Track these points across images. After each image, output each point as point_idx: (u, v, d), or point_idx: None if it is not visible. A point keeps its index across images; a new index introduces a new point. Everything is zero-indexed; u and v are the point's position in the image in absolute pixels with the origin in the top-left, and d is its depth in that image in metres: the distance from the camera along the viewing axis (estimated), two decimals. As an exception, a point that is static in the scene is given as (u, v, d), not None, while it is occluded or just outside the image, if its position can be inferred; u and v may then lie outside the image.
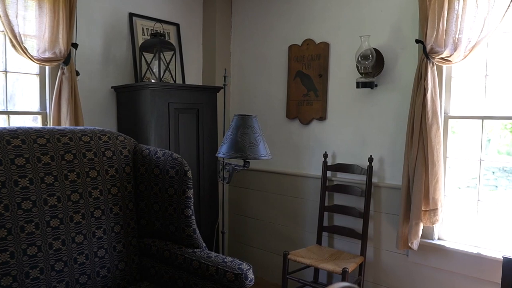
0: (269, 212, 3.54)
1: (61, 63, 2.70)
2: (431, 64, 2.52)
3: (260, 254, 3.61)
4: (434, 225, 2.58)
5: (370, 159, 2.85)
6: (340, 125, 3.08)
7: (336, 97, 3.09)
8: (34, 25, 2.61)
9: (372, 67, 2.80)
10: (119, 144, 2.29)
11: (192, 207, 2.18)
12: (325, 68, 3.11)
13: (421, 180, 2.56)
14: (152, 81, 2.99)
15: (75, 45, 2.76)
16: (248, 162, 2.10)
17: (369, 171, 2.86)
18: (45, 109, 2.82)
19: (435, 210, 2.55)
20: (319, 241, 3.09)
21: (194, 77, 3.62)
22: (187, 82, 3.50)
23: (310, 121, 3.22)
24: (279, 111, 3.42)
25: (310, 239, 3.25)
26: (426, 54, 2.51)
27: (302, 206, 3.33)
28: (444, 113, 2.67)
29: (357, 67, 2.81)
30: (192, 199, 2.19)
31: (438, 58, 2.48)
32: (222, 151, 2.00)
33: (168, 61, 2.97)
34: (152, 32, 3.07)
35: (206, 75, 3.67)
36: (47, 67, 2.78)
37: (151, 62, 2.94)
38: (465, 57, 2.43)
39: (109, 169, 2.20)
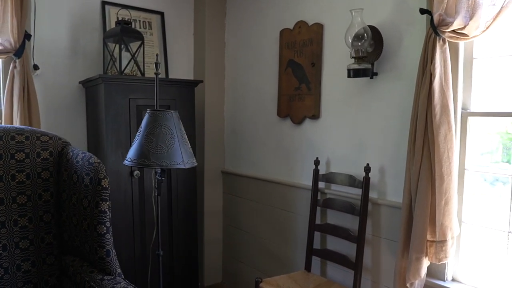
0: (260, 225, 2.93)
1: (12, 56, 2.37)
2: (440, 41, 1.77)
3: (250, 273, 3.02)
4: (441, 262, 1.82)
5: (367, 169, 2.14)
6: (335, 125, 2.40)
7: (330, 90, 2.41)
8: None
9: (368, 50, 2.10)
10: (39, 146, 1.86)
11: (107, 224, 1.69)
12: (318, 55, 2.44)
13: (425, 200, 1.81)
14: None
15: (28, 36, 2.42)
16: (164, 171, 1.56)
17: (365, 183, 2.15)
18: (0, 106, 2.52)
19: (443, 242, 1.79)
20: (307, 267, 2.43)
21: (183, 71, 3.14)
22: (174, 77, 3.04)
23: (302, 120, 2.57)
24: (270, 108, 2.81)
25: (299, 263, 2.60)
26: (434, 28, 1.76)
27: (293, 222, 2.68)
28: (462, 109, 1.89)
29: (350, 51, 2.12)
30: (108, 214, 1.70)
31: (449, 32, 1.72)
32: (128, 156, 1.49)
33: (134, 52, 2.52)
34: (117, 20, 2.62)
35: (198, 69, 3.17)
36: (1, 61, 2.48)
37: (113, 52, 2.51)
38: (487, 29, 1.65)
39: (17, 174, 1.77)
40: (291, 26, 2.60)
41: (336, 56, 2.34)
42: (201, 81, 2.69)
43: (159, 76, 2.43)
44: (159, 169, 1.53)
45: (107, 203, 1.69)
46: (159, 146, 1.42)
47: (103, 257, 1.68)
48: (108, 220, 1.69)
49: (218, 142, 3.21)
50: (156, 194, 1.71)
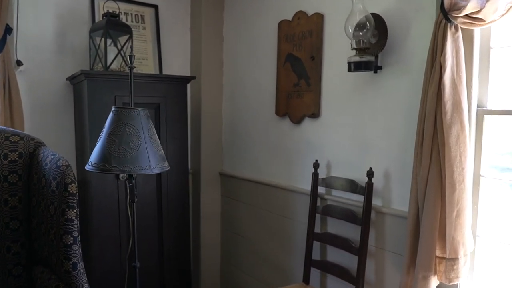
0: (259, 231, 2.72)
1: (-8, 51, 2.23)
2: (452, 29, 1.53)
3: (249, 282, 2.82)
4: (452, 283, 1.58)
5: (370, 173, 1.91)
6: (335, 125, 2.17)
7: (331, 86, 2.18)
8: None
9: (371, 41, 1.87)
10: (7, 146, 1.70)
11: (74, 234, 1.51)
12: (318, 48, 2.22)
13: (434, 211, 1.57)
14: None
15: (9, 30, 2.28)
16: (131, 176, 1.37)
17: (368, 190, 1.92)
18: (-18, 105, 2.38)
19: (454, 260, 1.54)
20: (306, 279, 2.21)
21: (178, 68, 2.95)
22: (168, 73, 2.85)
23: (301, 119, 2.35)
24: (268, 106, 2.60)
25: (297, 273, 2.38)
26: (445, 13, 1.52)
27: (292, 230, 2.46)
28: (477, 106, 1.64)
29: (351, 42, 1.89)
30: (76, 223, 1.52)
31: (462, 17, 1.48)
32: (90, 160, 1.30)
33: (121, 46, 2.34)
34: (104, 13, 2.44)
35: (195, 65, 2.98)
36: (-19, 56, 2.35)
37: (99, 47, 2.34)
38: (507, 12, 1.41)
39: (-21, 178, 1.63)
40: (289, 17, 2.38)
41: (338, 49, 2.11)
42: (194, 77, 2.50)
43: (142, 72, 2.25)
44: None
45: (75, 210, 1.51)
46: (122, 149, 1.23)
47: (69, 270, 1.50)
48: (76, 229, 1.52)
49: (216, 142, 3.02)
50: (129, 201, 1.52)
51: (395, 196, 1.90)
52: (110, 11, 2.47)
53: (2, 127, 1.78)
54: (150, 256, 2.44)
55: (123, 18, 2.64)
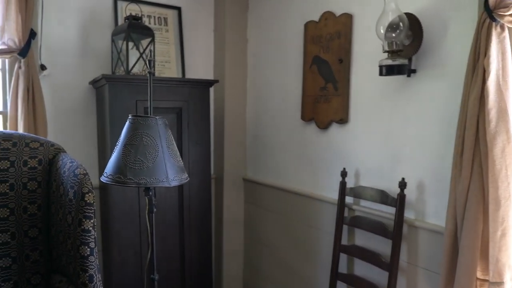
0: (283, 240, 2.62)
1: (17, 56, 2.22)
2: (498, 28, 1.39)
3: (273, 292, 2.73)
4: (496, 309, 1.44)
5: (402, 184, 1.78)
6: (365, 131, 2.04)
7: (360, 91, 2.05)
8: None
9: (404, 43, 1.74)
10: (27, 153, 1.67)
11: (91, 245, 1.46)
12: (346, 50, 2.10)
13: (475, 228, 1.43)
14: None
15: (33, 35, 2.27)
16: (149, 188, 1.29)
17: (400, 201, 1.79)
18: (7, 108, 2.38)
19: (499, 284, 1.39)
20: (332, 293, 2.10)
21: (201, 71, 2.89)
22: (191, 77, 2.80)
23: (328, 124, 2.23)
24: (294, 111, 2.49)
25: (322, 286, 2.27)
26: (489, 11, 1.38)
27: (317, 240, 2.35)
28: (525, 114, 1.49)
29: (382, 44, 1.76)
30: (93, 234, 1.47)
31: (510, 15, 1.34)
32: (105, 171, 1.24)
33: (143, 49, 2.29)
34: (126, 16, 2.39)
35: (218, 68, 2.91)
36: (7, 61, 2.34)
37: (120, 50, 2.29)
38: None
39: (-1, 185, 1.60)
40: (316, 18, 2.27)
41: (368, 51, 1.99)
42: (217, 81, 2.43)
43: (164, 75, 2.19)
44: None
45: (91, 221, 1.46)
46: (138, 160, 1.16)
47: (85, 282, 1.45)
48: (93, 240, 1.46)
49: (240, 147, 2.94)
50: (148, 211, 1.46)
51: (429, 209, 1.76)
52: (133, 14, 2.43)
53: (23, 133, 1.75)
54: (171, 263, 2.38)
55: (145, 20, 2.60)
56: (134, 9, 2.54)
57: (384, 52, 1.72)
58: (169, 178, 1.19)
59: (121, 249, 2.21)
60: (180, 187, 2.36)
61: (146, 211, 1.46)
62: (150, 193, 1.29)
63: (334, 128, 2.20)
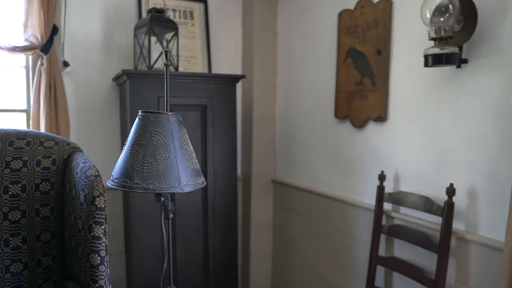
0: (314, 246, 2.43)
1: (39, 52, 2.16)
2: None
3: (304, 302, 2.55)
4: None
5: (451, 190, 1.56)
6: (406, 130, 1.82)
7: (401, 85, 1.84)
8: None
9: (454, 28, 1.51)
10: (40, 152, 1.58)
11: (102, 253, 1.34)
12: (385, 40, 1.89)
13: (542, 245, 1.20)
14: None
15: (55, 30, 2.20)
16: (160, 194, 1.15)
17: (448, 210, 1.56)
18: (30, 106, 2.33)
19: None
20: (367, 309, 1.90)
21: (229, 66, 2.75)
22: (218, 72, 2.66)
23: (364, 122, 2.03)
24: (326, 108, 2.30)
25: (357, 302, 2.07)
26: None
27: (351, 249, 2.15)
28: None
29: (428, 30, 1.55)
30: (104, 241, 1.35)
31: None
32: (112, 174, 1.11)
33: (166, 44, 2.16)
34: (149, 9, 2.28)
35: (247, 63, 2.76)
36: (30, 58, 2.29)
37: (143, 45, 2.18)
38: None
39: (10, 186, 1.50)
40: (351, 6, 2.07)
41: (410, 40, 1.77)
42: (243, 76, 2.27)
43: (189, 71, 2.08)
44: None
45: (102, 227, 1.34)
46: (147, 162, 1.03)
47: (95, 293, 1.34)
48: (103, 248, 1.35)
49: (269, 147, 2.78)
50: (163, 217, 1.33)
51: (483, 220, 1.53)
52: (157, 7, 2.32)
53: (38, 131, 1.67)
54: (194, 268, 2.26)
55: (170, 15, 2.49)
56: (158, 3, 2.44)
57: (430, 39, 1.50)
58: (182, 183, 1.05)
59: (141, 253, 2.10)
60: (204, 189, 2.23)
61: (161, 218, 1.33)
62: (162, 198, 1.15)
63: (371, 127, 1.99)
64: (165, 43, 1.34)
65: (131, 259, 2.15)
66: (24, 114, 2.29)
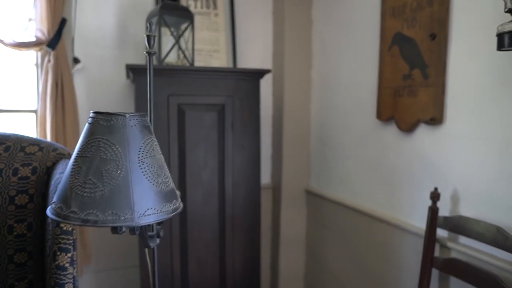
0: (351, 270, 2.03)
1: (46, 48, 1.98)
2: None
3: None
4: None
5: (534, 221, 1.12)
6: (470, 136, 1.39)
7: (463, 77, 1.40)
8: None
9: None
10: (19, 160, 1.35)
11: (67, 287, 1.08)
12: (442, 20, 1.46)
13: None
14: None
15: (63, 24, 2.00)
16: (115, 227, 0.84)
17: (529, 248, 1.13)
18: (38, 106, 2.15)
19: None
20: None
21: (258, 60, 2.41)
22: (244, 66, 2.34)
23: (414, 125, 1.61)
24: (367, 107, 1.89)
25: None
26: None
27: (395, 280, 1.72)
28: None
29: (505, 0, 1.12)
30: (70, 272, 1.08)
31: None
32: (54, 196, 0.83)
33: (178, 36, 1.89)
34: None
35: (278, 57, 2.42)
36: (39, 54, 2.12)
37: (153, 37, 1.92)
38: None
39: (-20, 199, 1.31)
40: (399, -19, 1.66)
41: (476, 17, 1.34)
42: (268, 71, 1.94)
43: (208, 65, 1.79)
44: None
45: (69, 254, 1.08)
46: (89, 182, 0.73)
47: None
48: (70, 281, 1.08)
49: (302, 152, 2.41)
50: (144, 246, 1.03)
51: None
52: (174, -5, 2.06)
53: (22, 134, 1.45)
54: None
55: (191, 4, 2.21)
56: (177, -9, 2.17)
57: (506, 11, 1.07)
58: (137, 212, 0.74)
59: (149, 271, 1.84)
60: (221, 199, 1.92)
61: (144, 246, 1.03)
62: (120, 232, 0.85)
63: (423, 131, 1.57)
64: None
65: (141, 276, 1.90)
66: (34, 115, 2.12)
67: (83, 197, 0.74)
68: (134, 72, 1.75)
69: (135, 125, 0.81)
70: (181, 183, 1.85)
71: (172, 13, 1.85)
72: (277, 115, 2.41)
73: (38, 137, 1.50)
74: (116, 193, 0.75)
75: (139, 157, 0.79)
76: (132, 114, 0.81)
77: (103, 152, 0.77)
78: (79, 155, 0.79)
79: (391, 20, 1.69)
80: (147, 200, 0.78)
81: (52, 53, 1.95)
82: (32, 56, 2.10)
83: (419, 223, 1.57)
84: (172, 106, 1.81)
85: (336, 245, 2.16)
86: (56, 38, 1.95)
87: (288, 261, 2.44)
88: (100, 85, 2.15)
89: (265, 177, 2.47)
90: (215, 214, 1.93)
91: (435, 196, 1.44)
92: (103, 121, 0.80)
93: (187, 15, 1.89)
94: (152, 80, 1.04)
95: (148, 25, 1.03)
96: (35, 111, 2.11)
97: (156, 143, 0.86)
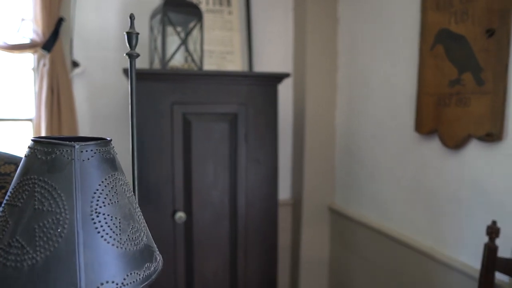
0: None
1: (41, 50, 1.78)
2: None
3: None
4: None
5: None
6: (541, 159, 1.09)
7: (533, 85, 1.11)
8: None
9: None
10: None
11: None
12: (502, 12, 1.16)
13: None
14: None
15: (60, 23, 1.80)
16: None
17: None
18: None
19: None
20: None
21: (276, 63, 2.16)
22: (261, 70, 2.10)
23: (463, 141, 1.31)
24: (404, 117, 1.60)
25: None
26: None
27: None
28: None
29: None
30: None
31: None
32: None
33: (185, 36, 1.65)
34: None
35: (299, 59, 2.15)
36: (36, 57, 1.92)
37: (157, 37, 1.69)
38: None
39: None
40: (445, -33, 1.36)
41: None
42: (287, 75, 1.67)
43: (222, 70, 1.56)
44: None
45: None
46: (15, 246, 0.50)
47: None
48: None
49: (326, 166, 2.14)
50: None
51: None
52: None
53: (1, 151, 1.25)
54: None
55: (202, 1, 1.97)
56: (187, -15, 1.94)
57: None
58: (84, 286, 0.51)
59: (153, 285, 1.62)
60: (233, 221, 1.67)
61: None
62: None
63: (474, 148, 1.28)
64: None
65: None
66: (30, 124, 1.94)
67: (6, 268, 0.51)
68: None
69: (88, 158, 0.57)
70: (187, 204, 1.61)
71: (178, 9, 1.62)
72: (298, 124, 2.15)
73: (15, 155, 1.29)
74: (54, 262, 0.51)
75: (92, 207, 0.55)
76: (85, 144, 0.57)
77: (38, 200, 0.53)
78: (7, 203, 0.56)
79: (434, 14, 1.40)
80: (104, 269, 0.54)
81: (47, 56, 1.75)
82: (29, 59, 1.92)
83: (470, 259, 1.28)
84: (176, 116, 1.57)
85: (364, 273, 1.87)
86: (52, 40, 1.76)
87: (309, 285, 2.17)
88: (102, 90, 1.94)
89: (285, 192, 2.21)
90: (225, 239, 1.68)
91: (493, 231, 1.15)
92: (41, 153, 0.56)
93: (194, 12, 1.65)
94: (135, 88, 0.79)
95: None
96: (31, 120, 1.93)
97: (122, 182, 0.62)
